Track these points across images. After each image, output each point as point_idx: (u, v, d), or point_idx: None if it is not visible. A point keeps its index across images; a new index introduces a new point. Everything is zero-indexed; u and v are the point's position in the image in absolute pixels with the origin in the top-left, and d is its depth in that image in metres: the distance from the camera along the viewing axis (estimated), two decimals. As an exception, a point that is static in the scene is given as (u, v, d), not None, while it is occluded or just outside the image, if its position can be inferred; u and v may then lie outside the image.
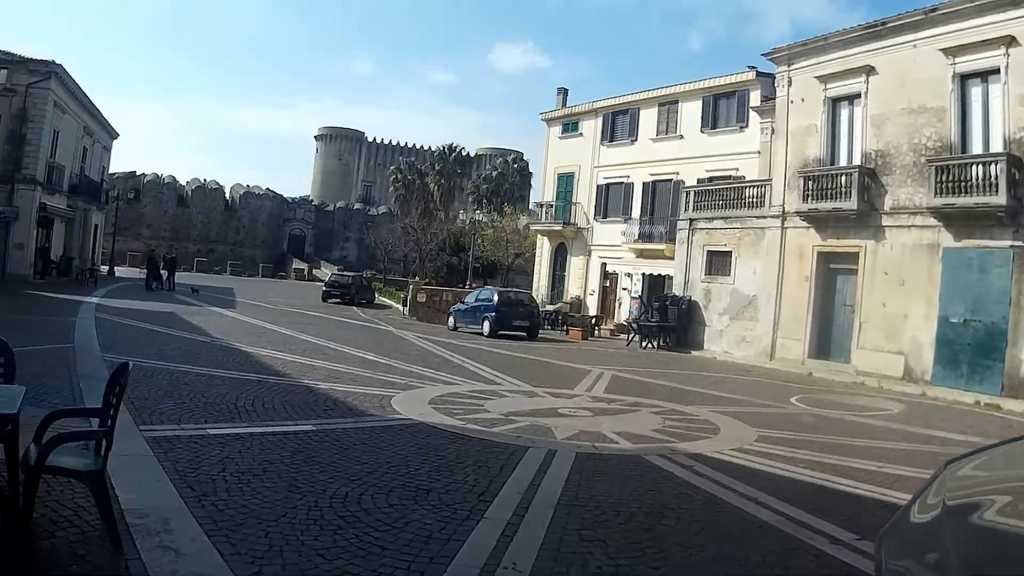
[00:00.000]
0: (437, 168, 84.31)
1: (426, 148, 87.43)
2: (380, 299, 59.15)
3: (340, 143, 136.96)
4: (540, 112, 53.12)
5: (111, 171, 73.16)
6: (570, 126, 50.40)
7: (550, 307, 47.05)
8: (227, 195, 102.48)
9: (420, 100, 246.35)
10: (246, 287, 63.79)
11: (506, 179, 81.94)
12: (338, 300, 52.36)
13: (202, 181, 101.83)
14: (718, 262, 34.07)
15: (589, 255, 47.47)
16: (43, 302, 32.47)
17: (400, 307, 50.87)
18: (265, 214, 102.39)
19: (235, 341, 22.83)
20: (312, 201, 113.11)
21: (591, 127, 48.53)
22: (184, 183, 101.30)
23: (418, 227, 69.82)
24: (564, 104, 51.72)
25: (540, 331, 37.06)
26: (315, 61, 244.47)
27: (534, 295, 49.85)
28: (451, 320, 38.26)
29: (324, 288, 54.64)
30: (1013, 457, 3.33)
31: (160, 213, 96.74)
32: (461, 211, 68.69)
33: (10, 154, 46.22)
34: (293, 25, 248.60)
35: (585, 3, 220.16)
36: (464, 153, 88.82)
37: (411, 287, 49.16)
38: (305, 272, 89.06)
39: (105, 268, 62.53)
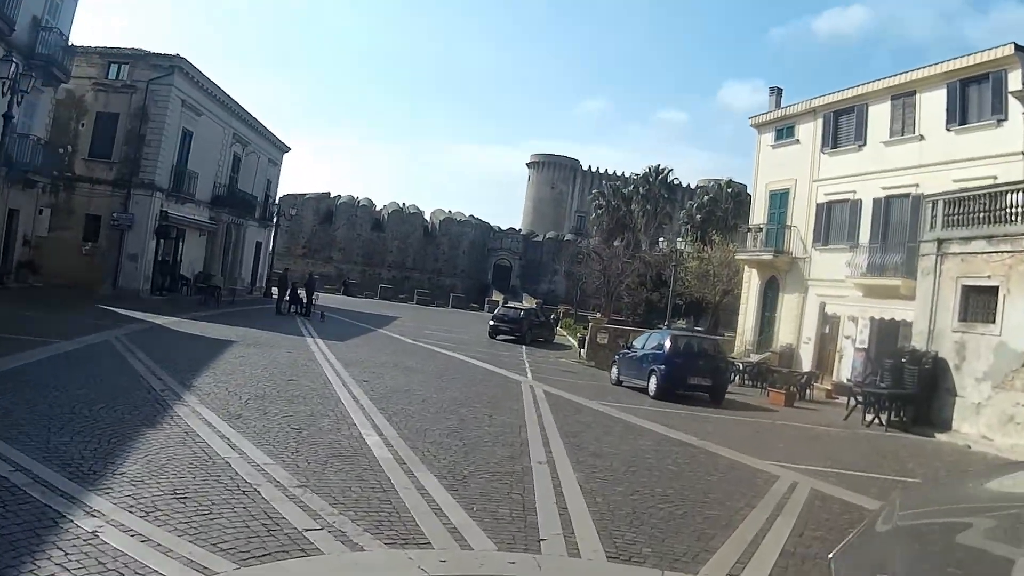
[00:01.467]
0: (642, 192, 74.37)
1: (638, 175, 77.12)
2: (563, 336, 50.07)
3: (553, 171, 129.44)
4: (749, 116, 42.59)
5: (300, 189, 67.95)
6: (784, 132, 39.54)
7: (754, 357, 36.54)
8: (426, 220, 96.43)
9: (650, 138, 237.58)
10: (417, 316, 57.03)
11: (719, 205, 71.27)
12: (508, 337, 43.62)
13: (400, 205, 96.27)
14: (977, 302, 22.72)
15: (805, 292, 36.38)
16: (93, 313, 26.34)
17: (578, 348, 41.58)
18: (467, 242, 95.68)
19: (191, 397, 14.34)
20: (520, 231, 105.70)
21: (809, 131, 37.55)
22: (381, 206, 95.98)
23: (606, 255, 60.48)
24: (778, 105, 40.89)
25: (731, 389, 27.05)
26: (545, 101, 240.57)
27: (739, 341, 39.55)
28: (613, 371, 28.56)
29: (491, 323, 46.00)
30: (957, 488, 3.98)
31: (353, 236, 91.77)
32: (662, 240, 58.72)
33: (127, 156, 40.45)
34: (524, 66, 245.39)
35: (811, 39, 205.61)
36: (673, 179, 78.49)
37: (591, 325, 39.69)
38: (501, 304, 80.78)
39: (260, 289, 56.29)
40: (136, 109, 40.25)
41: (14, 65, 27.17)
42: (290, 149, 62.70)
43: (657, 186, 74.45)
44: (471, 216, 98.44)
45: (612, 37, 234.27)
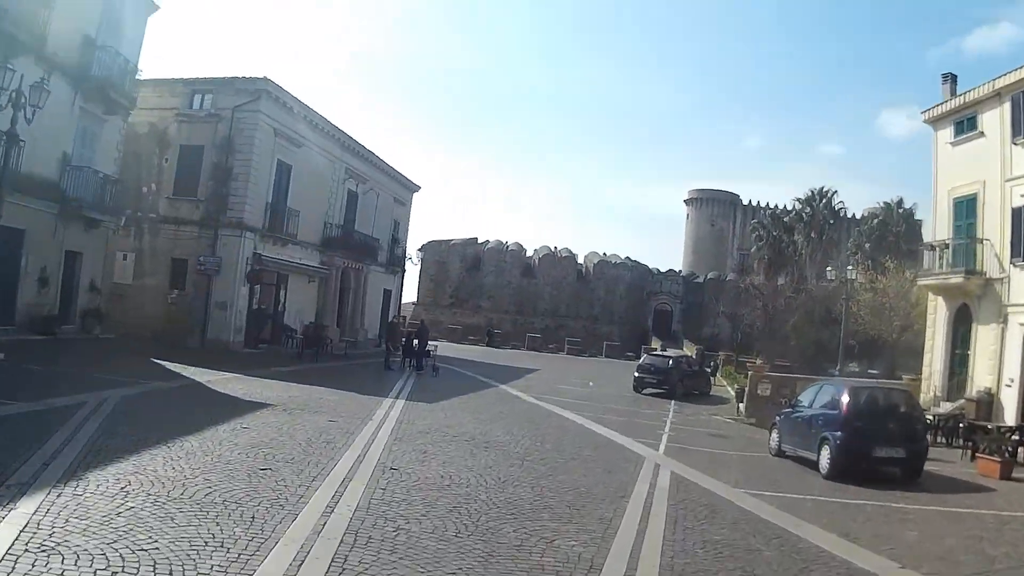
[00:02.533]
0: (805, 218, 64.94)
1: (800, 199, 67.60)
2: (722, 386, 42.07)
3: (712, 207, 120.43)
4: (922, 111, 33.74)
5: (444, 235, 62.21)
6: (965, 124, 30.42)
7: (944, 407, 27.87)
8: (580, 264, 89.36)
9: (808, 175, 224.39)
10: (560, 368, 50.21)
11: (889, 229, 61.58)
12: (655, 390, 35.84)
13: (552, 249, 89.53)
14: None
15: (1004, 321, 27.06)
16: (130, 368, 20.99)
17: (736, 401, 33.73)
18: (623, 286, 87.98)
19: None
20: (680, 272, 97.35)
21: (995, 120, 28.39)
22: (531, 251, 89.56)
23: (767, 291, 51.95)
24: (953, 93, 31.83)
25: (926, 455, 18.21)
26: (703, 139, 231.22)
27: (925, 386, 31.05)
28: (773, 437, 20.51)
29: (635, 374, 37.70)
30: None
31: (503, 283, 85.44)
32: (829, 269, 49.84)
33: (214, 193, 35.29)
34: (679, 104, 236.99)
35: (961, 59, 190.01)
36: (838, 203, 68.87)
37: (750, 375, 31.67)
38: (647, 353, 72.24)
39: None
40: (222, 140, 34.98)
41: (19, 75, 21.75)
42: (420, 188, 56.99)
43: (821, 211, 64.88)
44: (627, 258, 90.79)
45: (766, 71, 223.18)
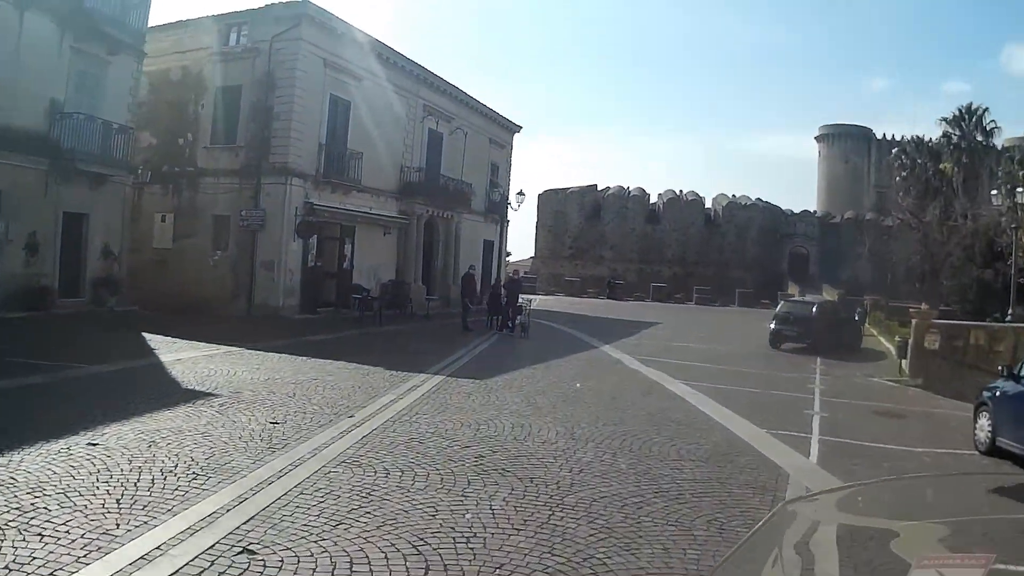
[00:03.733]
0: (953, 141, 54.16)
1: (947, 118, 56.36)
2: (873, 338, 34.00)
3: (846, 143, 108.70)
4: None
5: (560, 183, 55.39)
6: None
7: None
8: (707, 208, 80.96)
9: (938, 113, 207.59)
10: (685, 321, 43.15)
11: None
12: (796, 344, 28.47)
13: (677, 193, 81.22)
14: None
15: None
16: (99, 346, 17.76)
17: (897, 358, 26.11)
18: (755, 229, 79.08)
19: None
20: (815, 213, 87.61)
21: None
22: (654, 197, 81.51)
23: (921, 225, 43.02)
24: None
25: None
26: (829, 83, 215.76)
27: None
28: (983, 424, 12.44)
29: (772, 326, 29.53)
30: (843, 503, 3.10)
31: (626, 231, 77.51)
32: (995, 193, 40.26)
33: (255, 137, 29.28)
34: (803, 47, 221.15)
35: None
36: (989, 122, 56.26)
37: (914, 323, 23.66)
38: (784, 300, 63.21)
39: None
40: (261, 76, 29.04)
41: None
42: (520, 128, 50.03)
43: (972, 131, 54.11)
44: (758, 199, 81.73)
45: (886, 10, 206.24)
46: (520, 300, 29.75)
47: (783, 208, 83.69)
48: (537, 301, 52.52)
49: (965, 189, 45.24)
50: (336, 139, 31.75)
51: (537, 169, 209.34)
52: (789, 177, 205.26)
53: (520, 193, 41.35)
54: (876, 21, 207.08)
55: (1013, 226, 35.33)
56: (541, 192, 79.35)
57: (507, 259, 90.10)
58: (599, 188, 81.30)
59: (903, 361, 22.97)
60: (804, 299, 34.51)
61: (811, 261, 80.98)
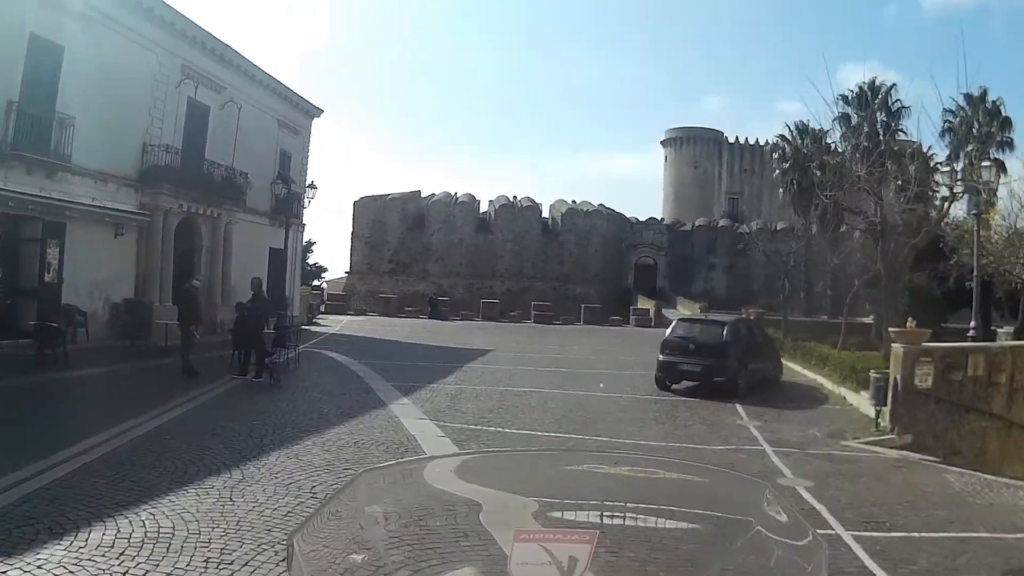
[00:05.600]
0: (852, 123, 47.83)
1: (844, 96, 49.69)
2: (795, 370, 26.76)
3: (695, 147, 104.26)
4: None
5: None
6: None
7: None
8: (545, 215, 74.13)
9: (771, 133, 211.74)
10: (522, 344, 35.87)
11: (973, 118, 46.04)
12: (694, 383, 20.72)
13: (510, 199, 74.05)
14: None
15: None
16: None
17: (853, 398, 19.23)
18: (598, 238, 72.70)
19: None
20: (663, 221, 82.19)
21: None
22: (486, 204, 74.11)
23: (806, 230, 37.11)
24: None
25: None
26: (664, 106, 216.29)
27: None
28: None
29: (661, 355, 21.23)
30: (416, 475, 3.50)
31: (453, 242, 69.60)
32: (951, 167, 34.38)
33: None
34: (632, 75, 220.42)
35: (918, 12, 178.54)
36: (896, 101, 48.77)
37: (900, 352, 16.07)
38: (650, 315, 55.87)
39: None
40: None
41: None
42: (321, 112, 41.63)
43: (876, 110, 47.85)
44: (601, 205, 75.44)
45: (725, 32, 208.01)
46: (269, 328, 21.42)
47: (628, 216, 78.07)
48: (342, 324, 44.18)
49: (869, 182, 39.18)
50: (37, 97, 22.69)
51: (351, 172, 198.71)
52: (634, 191, 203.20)
53: (311, 186, 32.98)
54: (710, 44, 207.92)
55: (973, 211, 28.90)
56: (357, 199, 70.82)
57: (323, 276, 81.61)
58: (423, 195, 73.36)
59: (880, 408, 15.73)
60: (707, 317, 26.50)
61: (659, 273, 75.47)
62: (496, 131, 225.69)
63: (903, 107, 48.81)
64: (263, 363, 19.16)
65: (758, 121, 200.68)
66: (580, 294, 67.29)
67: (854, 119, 47.21)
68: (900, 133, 45.95)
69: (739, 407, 18.27)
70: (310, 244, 75.77)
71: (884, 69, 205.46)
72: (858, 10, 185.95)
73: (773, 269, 73.52)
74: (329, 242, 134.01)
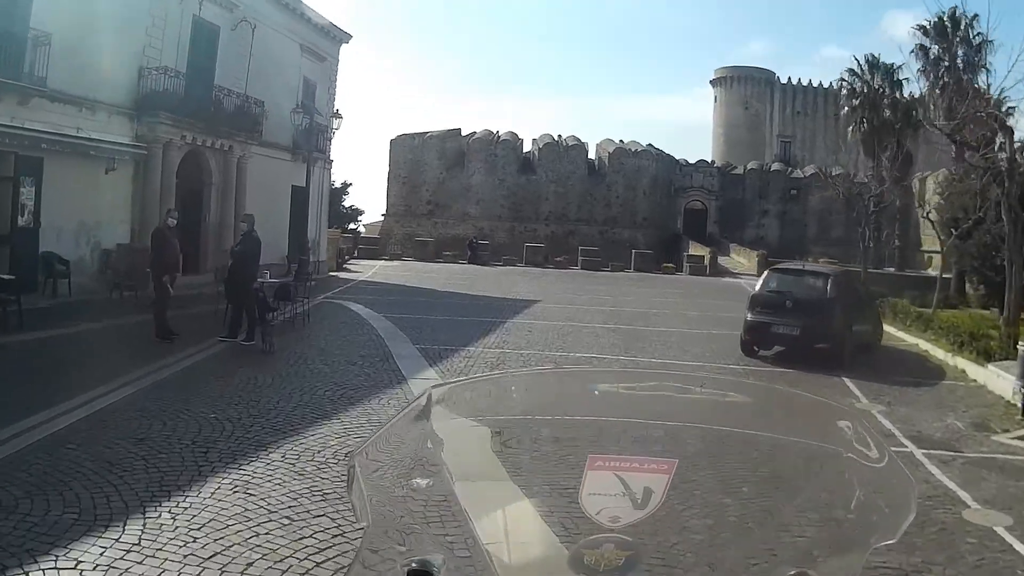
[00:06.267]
0: (935, 56, 42.33)
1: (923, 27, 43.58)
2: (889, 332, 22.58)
3: (745, 87, 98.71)
4: None
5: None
6: None
7: None
8: (591, 155, 70.03)
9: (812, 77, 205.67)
10: (569, 293, 32.33)
11: None
12: (788, 346, 17.20)
13: (554, 138, 69.91)
14: None
15: None
16: None
17: (976, 372, 15.84)
18: (647, 179, 68.38)
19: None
20: (714, 163, 77.78)
21: None
22: (529, 143, 70.12)
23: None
24: None
25: None
26: (705, 48, 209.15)
27: None
28: None
29: (750, 316, 17.45)
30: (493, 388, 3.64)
31: (494, 183, 65.80)
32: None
33: None
34: (676, 17, 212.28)
35: None
36: (978, 33, 42.81)
37: None
38: (705, 262, 52.06)
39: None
40: None
41: None
42: (350, 37, 37.89)
43: (955, 43, 42.78)
44: (649, 145, 71.14)
45: None
46: (262, 278, 17.99)
47: (676, 158, 73.82)
48: (374, 269, 40.91)
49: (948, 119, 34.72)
50: (7, 11, 19.33)
51: (387, 109, 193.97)
52: (681, 136, 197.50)
53: (336, 114, 29.43)
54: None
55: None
56: (394, 137, 67.10)
57: (360, 219, 78.39)
58: (463, 133, 69.50)
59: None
60: (805, 267, 21.82)
61: (709, 218, 71.55)
62: (537, 69, 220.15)
63: (986, 40, 43.52)
64: (255, 322, 15.76)
65: (805, 65, 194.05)
66: (627, 239, 63.39)
67: (933, 52, 42.26)
68: (983, 70, 41.01)
69: (848, 382, 14.65)
70: (346, 186, 72.84)
71: (929, 16, 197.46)
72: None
73: (827, 217, 70.21)
74: (367, 184, 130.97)
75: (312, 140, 32.56)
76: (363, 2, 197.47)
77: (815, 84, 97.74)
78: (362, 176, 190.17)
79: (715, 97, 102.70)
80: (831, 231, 67.84)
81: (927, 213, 29.51)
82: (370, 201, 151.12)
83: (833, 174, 72.04)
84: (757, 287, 18.45)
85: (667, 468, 2.11)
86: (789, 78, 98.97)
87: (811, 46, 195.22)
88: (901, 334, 22.35)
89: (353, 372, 13.41)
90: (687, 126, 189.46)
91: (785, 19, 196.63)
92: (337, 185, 72.47)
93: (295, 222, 33.19)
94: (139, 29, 23.65)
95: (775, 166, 77.91)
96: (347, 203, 73.28)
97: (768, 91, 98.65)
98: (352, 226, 69.80)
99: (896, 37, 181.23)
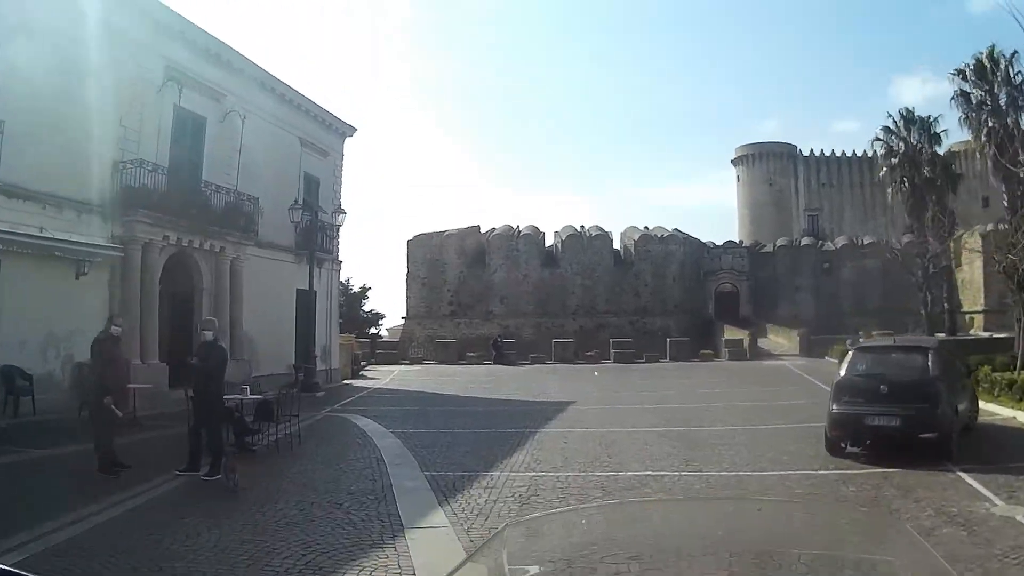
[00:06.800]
0: (978, 101, 38.88)
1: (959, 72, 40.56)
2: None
3: (768, 163, 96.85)
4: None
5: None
6: None
7: None
8: (616, 244, 67.59)
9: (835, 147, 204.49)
10: (606, 390, 29.84)
11: None
12: (889, 436, 13.76)
13: (577, 229, 67.59)
14: None
15: None
16: None
17: None
18: (675, 265, 65.86)
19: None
20: (742, 243, 75.37)
21: None
22: (551, 236, 67.86)
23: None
24: None
25: None
26: (718, 133, 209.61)
27: None
28: None
29: (836, 405, 14.04)
30: (568, 525, 3.44)
31: (518, 279, 63.31)
32: None
33: None
34: (683, 104, 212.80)
35: (962, 13, 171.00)
36: (1018, 71, 39.00)
37: None
38: (744, 346, 49.26)
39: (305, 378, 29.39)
40: None
41: None
42: (355, 131, 35.92)
43: (995, 83, 39.48)
44: (675, 230, 68.73)
45: (772, 56, 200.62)
46: (240, 395, 15.21)
47: (703, 241, 71.49)
48: (393, 375, 38.14)
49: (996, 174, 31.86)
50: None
51: (401, 210, 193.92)
52: (703, 221, 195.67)
53: (340, 210, 27.12)
54: (763, 70, 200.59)
55: None
56: (411, 237, 64.99)
57: (381, 323, 76.13)
58: (483, 230, 67.45)
59: None
60: (895, 342, 17.80)
61: (742, 300, 68.81)
62: (552, 165, 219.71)
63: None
64: (220, 451, 12.82)
65: (821, 140, 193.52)
66: (659, 327, 60.40)
67: (976, 96, 39.20)
68: None
69: (966, 477, 11.47)
70: (365, 290, 71.44)
71: (936, 79, 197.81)
72: (901, 21, 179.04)
73: (862, 288, 67.55)
74: (388, 287, 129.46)
75: (315, 239, 30.23)
76: (364, 103, 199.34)
77: (838, 154, 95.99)
78: (382, 279, 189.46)
79: (737, 176, 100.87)
80: (867, 302, 65.37)
81: (1000, 267, 26.33)
82: (391, 305, 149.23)
83: (864, 243, 70.34)
84: (842, 371, 15.03)
85: None
86: (812, 150, 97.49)
87: (825, 121, 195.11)
88: (991, 406, 19.27)
89: (334, 521, 9.96)
90: (711, 210, 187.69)
91: (796, 96, 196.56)
92: (356, 290, 70.95)
93: (302, 328, 30.58)
94: (111, 119, 21.43)
95: (805, 240, 75.98)
96: (367, 307, 71.69)
97: (791, 165, 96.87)
98: (373, 331, 67.81)
99: (903, 102, 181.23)
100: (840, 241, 73.53)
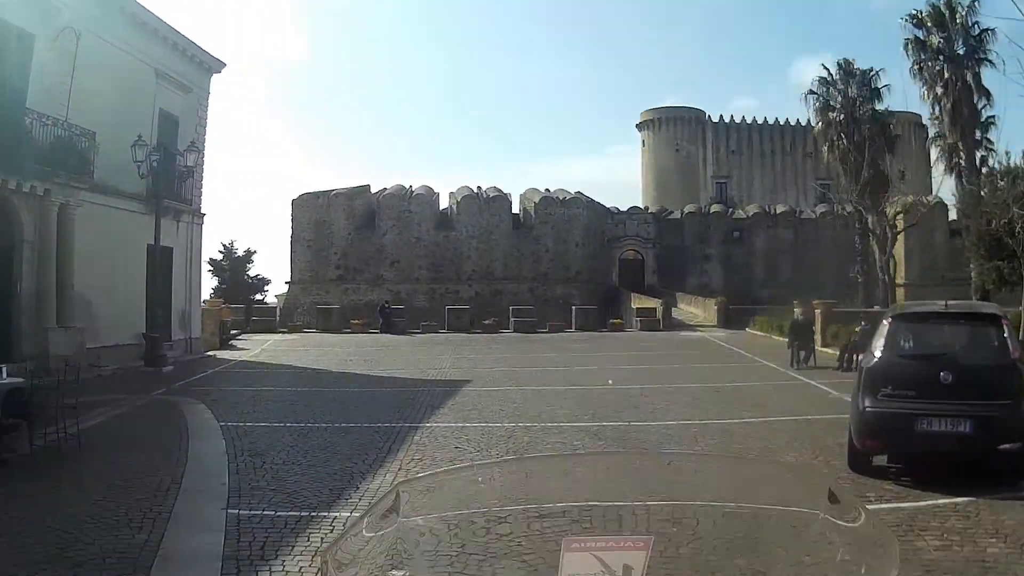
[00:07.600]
0: (933, 45, 35.54)
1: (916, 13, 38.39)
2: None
3: (675, 128, 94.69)
4: None
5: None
6: None
7: None
8: (515, 207, 64.38)
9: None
10: (503, 368, 25.95)
11: None
12: (955, 450, 9.51)
13: (473, 190, 63.91)
14: None
15: None
16: None
17: None
18: (578, 230, 63.03)
19: None
20: (647, 210, 72.84)
21: None
22: (446, 197, 64.31)
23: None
24: None
25: None
26: (617, 107, 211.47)
27: None
28: None
29: (866, 401, 9.84)
30: (465, 480, 3.50)
31: (410, 242, 59.70)
32: None
33: None
34: (585, 80, 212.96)
35: (869, 4, 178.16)
36: (974, 22, 36.62)
37: None
38: (657, 315, 45.98)
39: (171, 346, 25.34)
40: None
41: None
42: (223, 66, 31.65)
43: (956, 32, 36.11)
44: (578, 193, 65.57)
45: (674, 33, 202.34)
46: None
47: (608, 207, 68.83)
48: (265, 345, 34.21)
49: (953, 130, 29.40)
50: None
51: (292, 174, 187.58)
52: (603, 194, 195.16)
53: (192, 147, 23.08)
54: (662, 47, 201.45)
55: None
56: (296, 197, 60.54)
57: (266, 289, 71.73)
58: (373, 190, 63.37)
59: None
60: (950, 308, 10.85)
61: (647, 268, 66.68)
62: (451, 138, 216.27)
63: (986, 30, 37.02)
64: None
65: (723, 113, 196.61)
66: (561, 295, 57.74)
67: (933, 43, 35.93)
68: (988, 64, 35.40)
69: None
70: (250, 253, 68.27)
71: (835, 63, 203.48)
72: (806, 9, 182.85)
73: (774, 258, 65.95)
74: (276, 251, 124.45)
75: (171, 186, 26.04)
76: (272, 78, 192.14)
77: (748, 121, 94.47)
78: (271, 243, 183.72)
79: (643, 142, 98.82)
80: (780, 273, 63.70)
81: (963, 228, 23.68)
82: (279, 270, 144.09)
83: (777, 211, 68.71)
84: (877, 352, 10.26)
85: (644, 545, 2.09)
86: (721, 116, 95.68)
87: (723, 98, 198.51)
88: None
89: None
90: (612, 184, 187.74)
91: (694, 75, 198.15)
92: (240, 253, 66.80)
93: (156, 292, 26.33)
94: None
95: (714, 208, 73.67)
96: (253, 272, 68.28)
97: (699, 131, 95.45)
98: (259, 297, 64.26)
99: (804, 83, 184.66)
100: (751, 209, 71.85)
